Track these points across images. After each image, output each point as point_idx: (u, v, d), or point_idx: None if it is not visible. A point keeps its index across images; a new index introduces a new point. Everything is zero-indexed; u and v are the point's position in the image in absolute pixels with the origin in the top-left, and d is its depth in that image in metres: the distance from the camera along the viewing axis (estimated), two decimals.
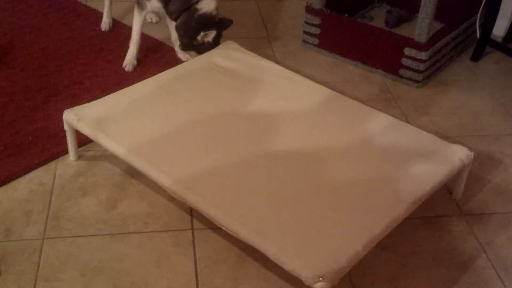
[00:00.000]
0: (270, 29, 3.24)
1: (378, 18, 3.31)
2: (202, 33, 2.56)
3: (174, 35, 2.79)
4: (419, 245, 1.97)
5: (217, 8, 2.60)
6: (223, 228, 1.75)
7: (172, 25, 2.75)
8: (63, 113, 2.14)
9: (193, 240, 1.94)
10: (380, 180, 1.90)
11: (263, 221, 1.72)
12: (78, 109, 2.15)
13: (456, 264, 1.91)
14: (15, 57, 2.82)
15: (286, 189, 1.85)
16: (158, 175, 1.89)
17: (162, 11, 2.69)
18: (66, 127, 2.16)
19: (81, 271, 1.82)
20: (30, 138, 2.32)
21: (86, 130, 2.09)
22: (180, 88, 2.32)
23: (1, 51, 2.85)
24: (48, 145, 2.29)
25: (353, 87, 2.77)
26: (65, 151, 2.25)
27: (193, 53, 2.65)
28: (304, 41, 3.06)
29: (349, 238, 1.66)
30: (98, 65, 2.80)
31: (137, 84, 2.33)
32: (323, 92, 2.33)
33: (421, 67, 2.72)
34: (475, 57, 3.02)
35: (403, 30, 3.13)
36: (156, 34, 3.07)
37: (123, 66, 2.77)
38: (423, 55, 2.69)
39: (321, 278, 1.53)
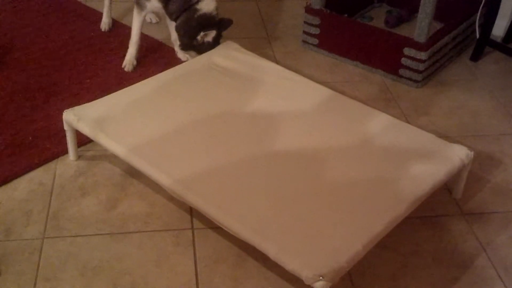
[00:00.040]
0: (270, 29, 3.24)
1: (377, 18, 3.31)
2: (202, 33, 2.56)
3: (174, 35, 2.79)
4: (419, 245, 1.97)
5: (217, 8, 2.60)
6: (223, 228, 1.75)
7: (172, 25, 2.75)
8: (63, 113, 2.14)
9: (193, 240, 1.94)
10: (380, 180, 1.90)
11: (263, 220, 1.72)
12: (78, 109, 2.15)
13: (456, 263, 1.91)
14: (15, 57, 2.82)
15: (286, 189, 1.86)
16: (158, 175, 1.89)
17: (162, 11, 2.69)
18: (66, 127, 2.16)
19: (81, 271, 1.82)
20: (30, 138, 2.32)
21: (86, 130, 2.09)
22: (180, 88, 2.32)
23: (1, 51, 2.85)
24: (48, 145, 2.29)
25: (353, 87, 2.77)
26: (65, 151, 2.25)
27: (193, 53, 2.65)
28: (304, 41, 3.06)
29: (349, 238, 1.66)
30: (98, 65, 2.80)
31: (137, 84, 2.33)
32: (323, 92, 2.33)
33: (421, 67, 2.72)
34: (475, 57, 3.02)
35: (403, 30, 3.14)
36: (156, 34, 3.08)
37: (122, 66, 2.77)
38: (422, 55, 2.69)
39: (321, 278, 1.53)
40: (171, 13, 2.63)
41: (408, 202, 1.80)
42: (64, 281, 1.79)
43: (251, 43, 3.00)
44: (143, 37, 2.85)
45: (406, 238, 1.98)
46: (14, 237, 1.92)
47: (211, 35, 2.58)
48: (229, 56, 2.52)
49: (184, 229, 1.98)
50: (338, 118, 2.18)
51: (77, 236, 1.94)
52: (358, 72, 2.90)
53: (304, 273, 1.55)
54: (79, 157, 2.26)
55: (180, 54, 2.85)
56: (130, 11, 3.07)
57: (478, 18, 3.02)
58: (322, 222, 1.73)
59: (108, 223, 1.99)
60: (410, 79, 2.78)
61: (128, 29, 2.85)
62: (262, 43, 3.10)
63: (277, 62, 2.81)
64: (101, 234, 1.95)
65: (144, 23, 2.80)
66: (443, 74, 2.91)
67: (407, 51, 2.72)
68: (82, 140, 2.26)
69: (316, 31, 2.99)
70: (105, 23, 3.09)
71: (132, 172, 2.16)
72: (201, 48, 2.59)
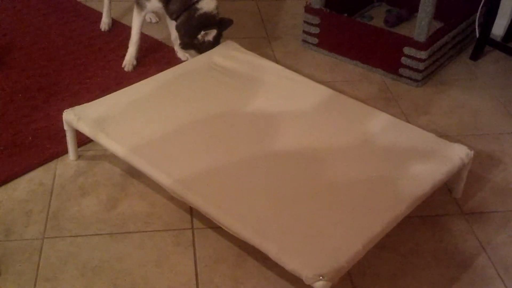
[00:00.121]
0: (270, 29, 3.24)
1: (377, 17, 3.31)
2: (202, 32, 2.56)
3: (174, 34, 2.79)
4: (419, 244, 1.97)
5: (217, 7, 2.60)
6: (223, 227, 1.75)
7: (172, 24, 2.75)
8: (63, 113, 2.14)
9: (193, 240, 1.94)
10: (380, 179, 1.90)
11: (263, 220, 1.72)
12: (78, 109, 2.15)
13: (456, 263, 1.91)
14: (15, 57, 2.82)
15: (286, 189, 1.86)
16: (158, 175, 1.89)
17: (162, 11, 2.70)
18: (66, 127, 2.16)
19: (81, 271, 1.82)
20: (30, 138, 2.32)
21: (86, 130, 2.09)
22: (180, 88, 2.32)
23: (1, 51, 2.85)
24: (48, 145, 2.29)
25: (352, 86, 2.77)
26: (65, 151, 2.25)
27: (193, 52, 2.65)
28: (304, 41, 3.06)
29: (349, 238, 1.66)
30: (98, 65, 2.80)
31: (137, 84, 2.33)
32: (323, 91, 2.33)
33: (421, 66, 2.72)
34: (475, 56, 3.02)
35: (403, 30, 3.14)
36: (155, 34, 3.08)
37: (122, 66, 2.77)
38: (422, 54, 2.69)
39: (321, 277, 1.53)
40: (172, 12, 2.63)
41: (408, 202, 1.80)
42: (64, 281, 1.79)
43: (251, 43, 3.00)
44: (143, 37, 2.85)
45: (406, 238, 1.98)
46: (14, 237, 1.92)
47: (212, 34, 2.58)
48: (229, 55, 2.52)
49: (184, 229, 1.98)
50: (338, 118, 2.18)
51: (77, 236, 1.94)
52: (358, 71, 2.89)
53: (304, 273, 1.55)
54: (79, 157, 2.26)
55: (180, 53, 2.85)
56: (130, 11, 3.08)
57: (478, 17, 3.01)
58: (322, 222, 1.73)
59: (108, 223, 1.99)
60: (410, 78, 2.78)
61: (128, 29, 2.85)
62: (262, 42, 3.10)
63: (277, 62, 2.81)
64: (101, 234, 1.95)
65: (144, 22, 2.80)
66: (443, 73, 2.91)
67: (407, 50, 2.72)
68: (82, 140, 2.26)
69: (316, 30, 2.99)
70: (105, 23, 3.09)
71: (132, 172, 2.16)
72: (202, 47, 2.60)
